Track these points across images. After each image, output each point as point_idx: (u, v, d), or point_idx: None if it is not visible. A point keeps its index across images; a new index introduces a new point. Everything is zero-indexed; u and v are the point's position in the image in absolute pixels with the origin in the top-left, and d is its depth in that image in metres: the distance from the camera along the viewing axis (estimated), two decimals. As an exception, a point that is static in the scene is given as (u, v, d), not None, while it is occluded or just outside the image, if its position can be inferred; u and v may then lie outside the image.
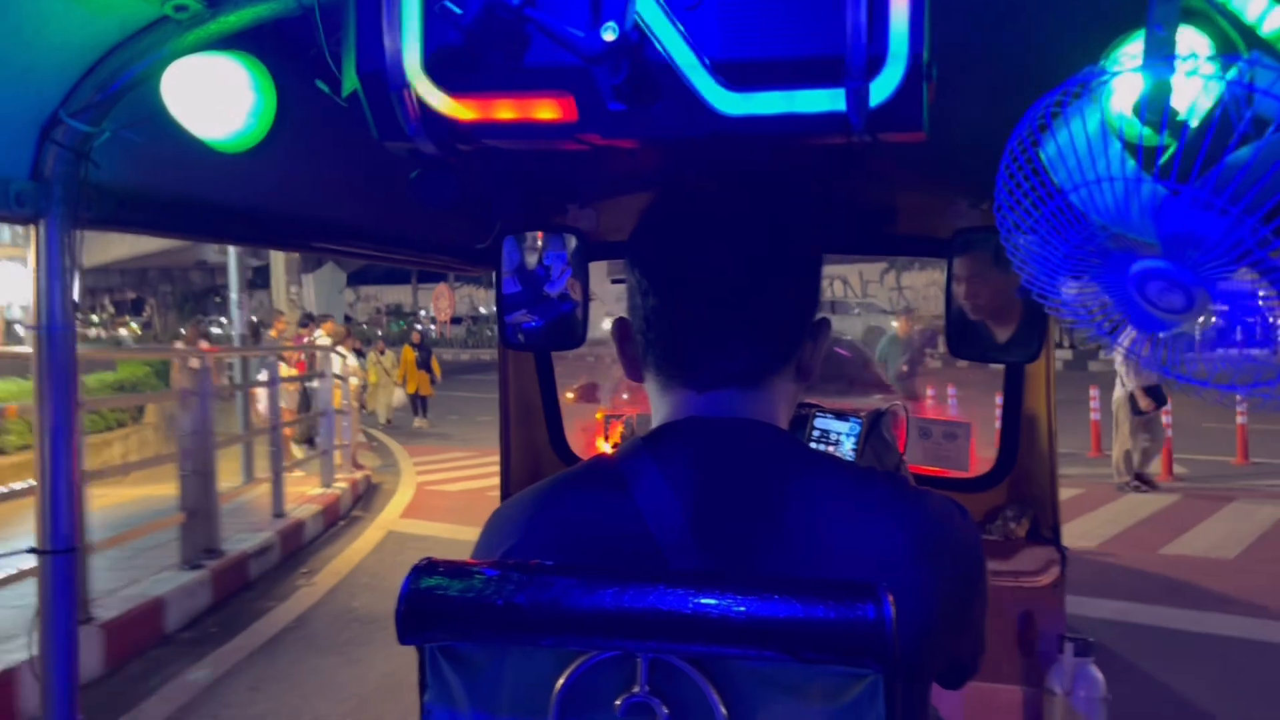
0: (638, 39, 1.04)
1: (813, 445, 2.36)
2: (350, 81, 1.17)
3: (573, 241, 2.53)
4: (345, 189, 2.14)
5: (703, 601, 0.96)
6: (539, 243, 2.66)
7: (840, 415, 2.35)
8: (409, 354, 18.51)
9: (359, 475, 11.74)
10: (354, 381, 14.07)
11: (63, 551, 1.57)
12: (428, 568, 1.04)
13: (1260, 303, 0.95)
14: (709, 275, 1.12)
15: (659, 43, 1.05)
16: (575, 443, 3.24)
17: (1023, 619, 2.60)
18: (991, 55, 1.45)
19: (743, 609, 0.95)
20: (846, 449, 2.32)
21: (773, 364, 1.16)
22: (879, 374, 8.36)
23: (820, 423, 2.35)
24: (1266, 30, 1.02)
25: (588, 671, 1.00)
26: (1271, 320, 0.95)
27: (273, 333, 15.17)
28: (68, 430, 1.56)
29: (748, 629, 0.94)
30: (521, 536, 1.17)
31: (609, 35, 1.02)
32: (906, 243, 2.74)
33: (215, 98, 1.35)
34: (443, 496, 11.38)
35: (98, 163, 1.50)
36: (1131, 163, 0.99)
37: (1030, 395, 2.69)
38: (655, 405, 1.22)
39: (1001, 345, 2.35)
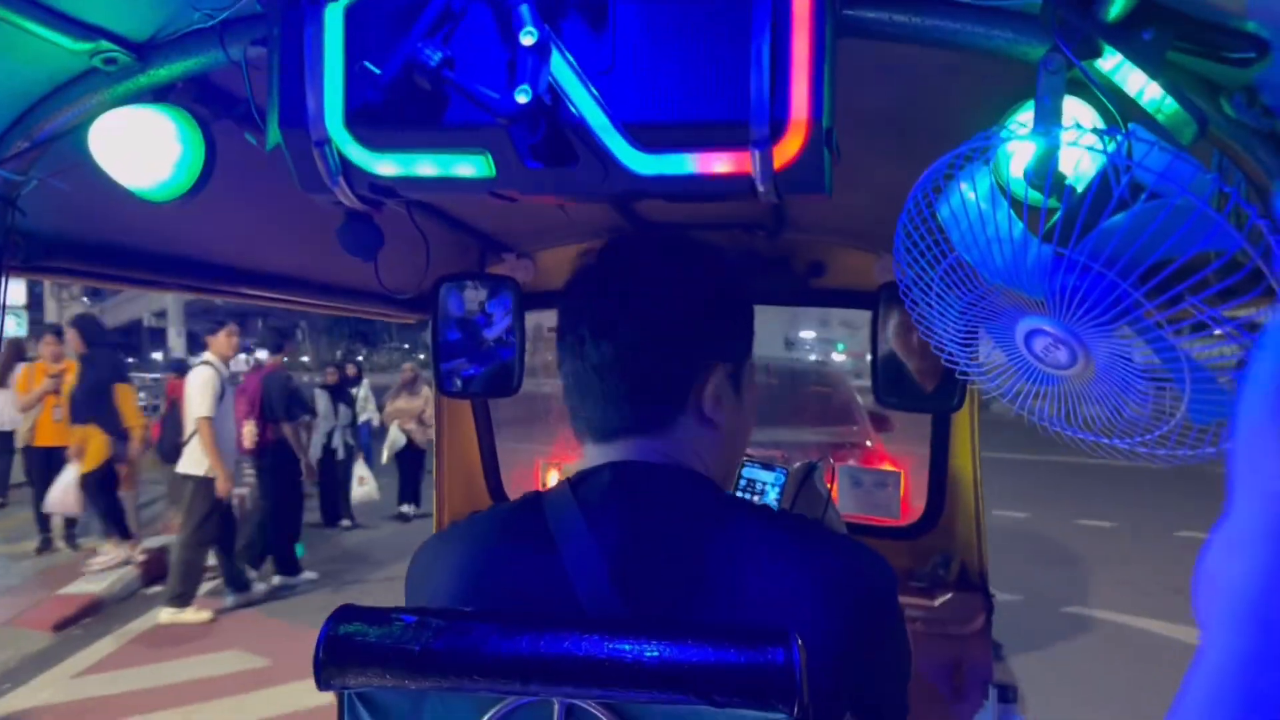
0: (552, 101, 1.08)
1: (739, 494, 2.39)
2: (274, 135, 1.19)
3: (508, 289, 2.56)
4: (278, 238, 2.15)
5: (617, 647, 0.98)
6: (476, 290, 2.69)
7: (767, 465, 2.39)
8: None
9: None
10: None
11: None
12: (345, 614, 1.06)
13: (1134, 360, 1.00)
14: (608, 333, 1.20)
15: (573, 105, 1.09)
16: (513, 490, 3.25)
17: (950, 665, 2.64)
18: (904, 118, 1.51)
19: (656, 653, 0.97)
20: (770, 498, 2.35)
21: (669, 412, 1.21)
22: (855, 408, 8.41)
23: (747, 472, 2.39)
24: (1145, 102, 1.08)
25: (505, 717, 1.02)
26: (1147, 377, 1.00)
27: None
28: None
29: (660, 673, 0.97)
30: (446, 581, 1.19)
31: (523, 98, 1.05)
32: (835, 295, 2.80)
33: (142, 148, 1.36)
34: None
35: (24, 210, 1.50)
36: (1020, 225, 1.04)
37: (956, 444, 2.75)
38: (582, 455, 1.27)
39: (926, 395, 2.41)
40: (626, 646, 0.98)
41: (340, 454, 11.33)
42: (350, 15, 1.13)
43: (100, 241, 1.72)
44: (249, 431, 8.55)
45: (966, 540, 2.79)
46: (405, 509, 11.94)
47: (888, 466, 6.07)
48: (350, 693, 1.06)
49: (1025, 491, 13.16)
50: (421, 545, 1.28)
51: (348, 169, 1.17)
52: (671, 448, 1.22)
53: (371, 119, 1.13)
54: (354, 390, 12.37)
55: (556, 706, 1.01)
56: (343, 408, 11.52)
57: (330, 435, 11.24)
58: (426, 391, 11.43)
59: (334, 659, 1.03)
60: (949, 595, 2.70)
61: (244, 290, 2.22)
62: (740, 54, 1.07)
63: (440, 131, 1.12)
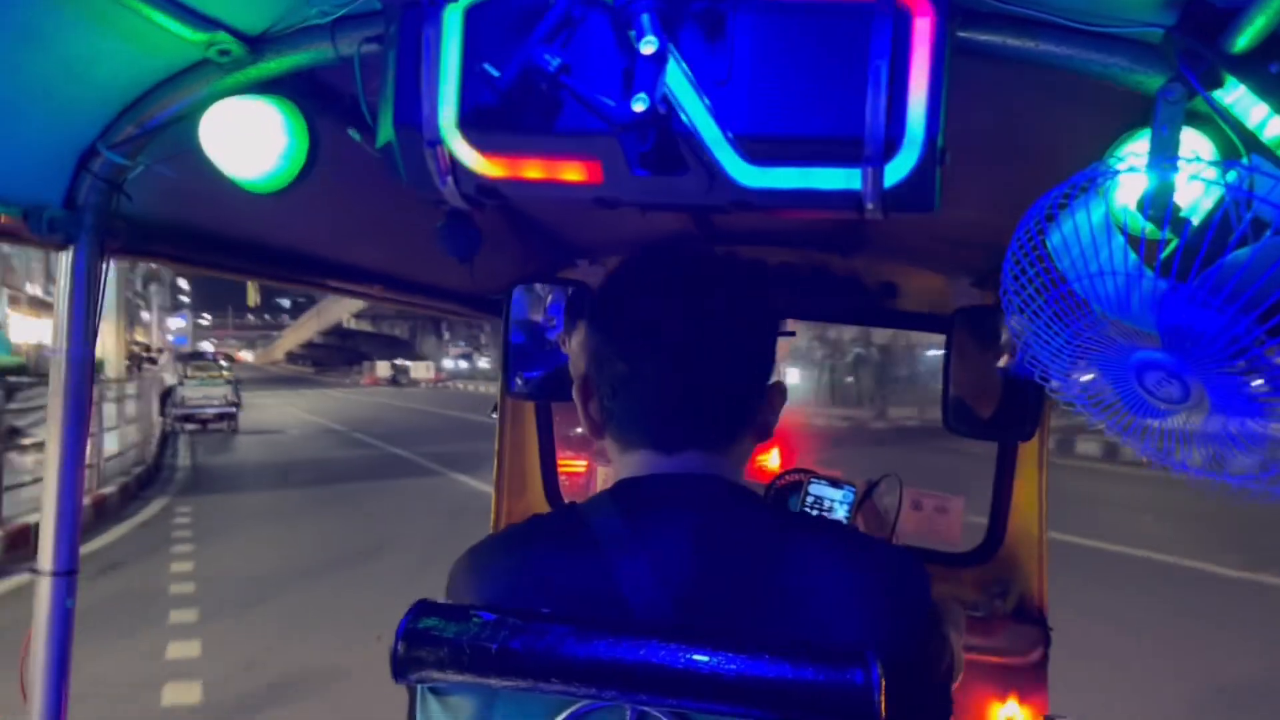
0: (666, 110, 1.09)
1: (807, 511, 2.38)
2: (385, 133, 1.21)
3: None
4: (370, 233, 2.19)
5: (694, 658, 0.98)
6: (546, 295, 2.71)
7: (835, 483, 2.38)
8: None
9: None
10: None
11: (64, 574, 1.59)
12: (425, 608, 1.07)
13: (1251, 399, 0.98)
14: (677, 341, 1.18)
15: (685, 115, 1.10)
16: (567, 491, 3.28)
17: (1005, 696, 2.60)
18: (1001, 143, 1.50)
19: (733, 667, 0.97)
20: (840, 515, 2.34)
21: (736, 428, 1.21)
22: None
23: (815, 489, 2.38)
24: (1267, 136, 1.07)
25: (576, 719, 1.02)
26: (1263, 414, 0.99)
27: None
28: (79, 455, 1.59)
29: (737, 687, 0.97)
30: (499, 585, 1.19)
31: (639, 106, 1.06)
32: (908, 318, 2.78)
33: (250, 139, 1.39)
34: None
35: (130, 195, 1.54)
36: (1134, 256, 1.03)
37: (1022, 472, 2.71)
38: (617, 463, 1.26)
39: (997, 423, 2.38)
40: (704, 658, 0.98)
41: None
42: (469, 17, 1.15)
43: (200, 229, 1.76)
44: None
45: (1027, 571, 2.75)
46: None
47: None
48: (424, 687, 1.07)
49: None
50: (465, 553, 1.27)
51: (457, 169, 1.18)
52: (725, 462, 1.21)
53: (485, 121, 1.14)
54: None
55: (629, 712, 1.01)
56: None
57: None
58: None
59: (412, 652, 1.04)
60: (1006, 626, 2.67)
61: (330, 283, 2.26)
62: (858, 71, 1.07)
63: (553, 137, 1.13)
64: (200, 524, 12.06)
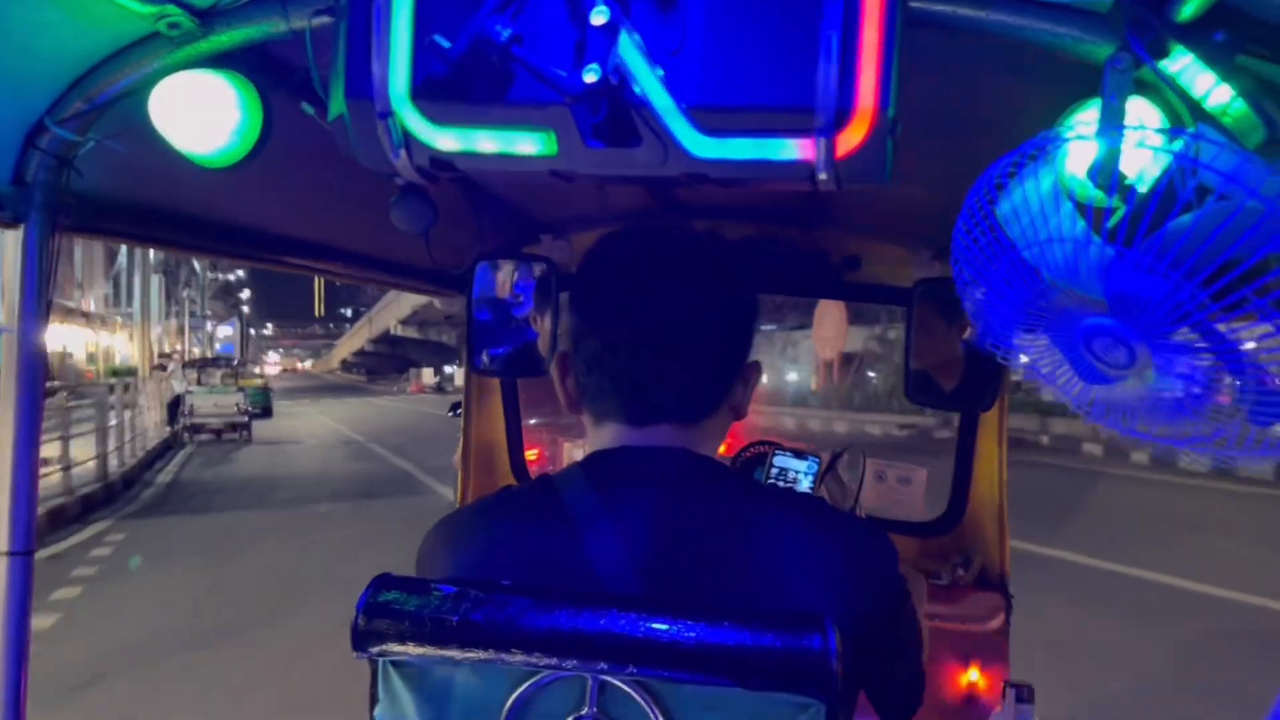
0: (618, 81, 1.09)
1: (772, 482, 2.40)
2: (337, 105, 1.20)
3: (543, 270, 2.57)
4: (325, 209, 2.17)
5: (654, 626, 0.99)
6: (511, 270, 2.69)
7: (799, 454, 2.39)
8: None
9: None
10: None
11: (21, 554, 1.57)
12: (385, 581, 1.07)
13: (1195, 363, 1.00)
14: (651, 319, 1.19)
15: (638, 85, 1.09)
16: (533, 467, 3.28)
17: (968, 664, 2.65)
18: (956, 114, 1.51)
19: (693, 634, 0.98)
20: (804, 487, 2.36)
21: (707, 404, 1.22)
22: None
23: (779, 460, 2.39)
24: (1212, 104, 1.08)
25: (538, 690, 1.03)
26: (1207, 380, 1.00)
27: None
28: (33, 432, 1.57)
29: (696, 654, 0.98)
30: (469, 556, 1.19)
31: (590, 77, 1.06)
32: (870, 290, 2.80)
33: (201, 114, 1.38)
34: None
35: (80, 171, 1.52)
36: (1082, 223, 1.04)
37: (982, 443, 2.74)
38: (592, 436, 1.27)
39: (957, 394, 2.40)
40: (664, 626, 0.99)
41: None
42: None
43: (152, 205, 1.74)
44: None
45: (988, 540, 2.79)
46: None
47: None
48: (385, 660, 1.08)
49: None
50: (434, 525, 1.28)
51: (409, 142, 1.17)
52: (699, 436, 1.23)
53: (437, 93, 1.14)
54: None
55: (590, 682, 1.02)
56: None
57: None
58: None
59: (372, 626, 1.04)
60: (968, 594, 2.70)
61: (288, 260, 2.24)
62: (809, 40, 1.07)
63: (504, 108, 1.13)
64: (117, 560, 10.31)
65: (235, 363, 33.45)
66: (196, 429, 25.35)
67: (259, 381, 37.39)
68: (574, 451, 3.54)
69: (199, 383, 27.10)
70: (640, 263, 1.24)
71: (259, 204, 1.98)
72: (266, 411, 35.36)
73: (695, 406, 1.22)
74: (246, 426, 26.10)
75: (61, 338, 37.03)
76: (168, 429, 24.38)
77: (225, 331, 65.22)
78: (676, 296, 1.20)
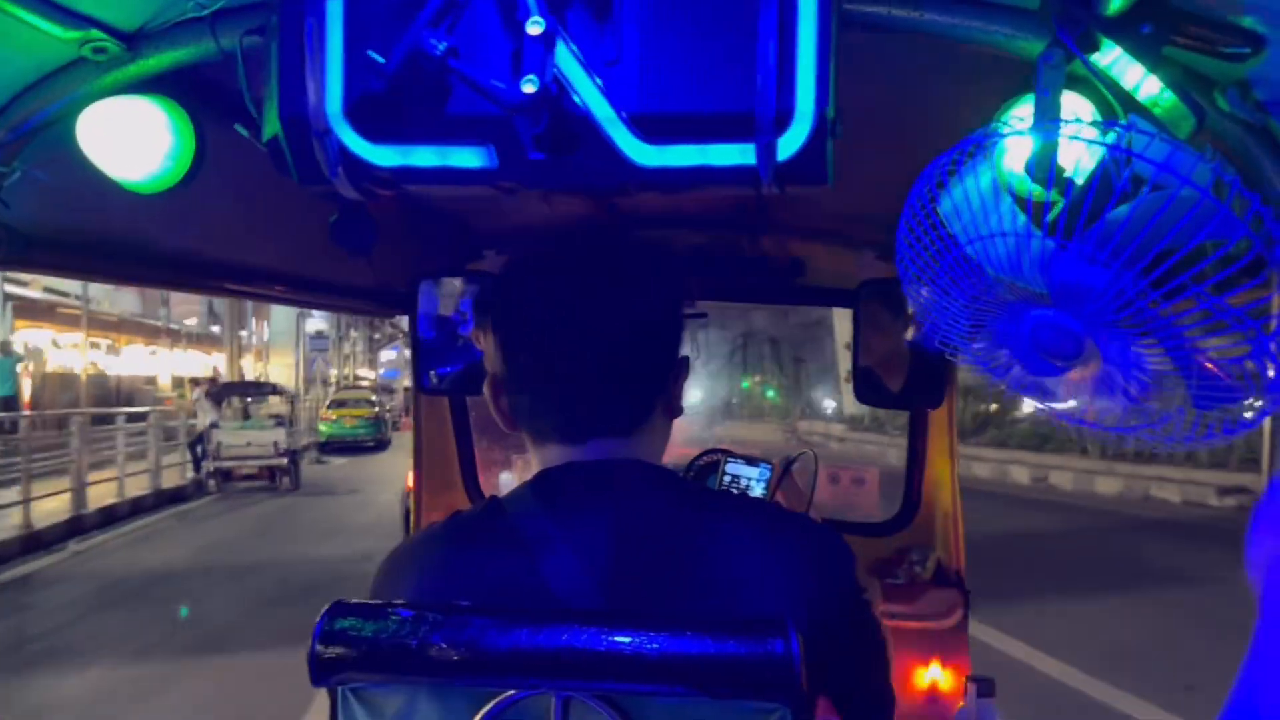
0: (557, 91, 1.08)
1: (728, 490, 2.39)
2: (272, 126, 1.18)
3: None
4: (265, 232, 2.13)
5: (616, 639, 0.98)
6: (454, 287, 2.67)
7: (751, 461, 2.39)
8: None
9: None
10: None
11: None
12: (340, 609, 1.04)
13: (1137, 350, 1.01)
14: (571, 332, 1.16)
15: (577, 95, 1.09)
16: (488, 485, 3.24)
17: (928, 661, 2.66)
18: (894, 115, 1.52)
19: (655, 646, 0.97)
20: (757, 493, 2.36)
21: (641, 410, 1.20)
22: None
23: (731, 468, 2.39)
24: (1142, 96, 1.10)
25: (502, 711, 1.01)
26: (1149, 368, 1.02)
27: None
28: None
29: (659, 665, 0.97)
30: (425, 585, 1.16)
31: (529, 87, 1.05)
32: (817, 293, 2.82)
33: (131, 140, 1.35)
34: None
35: (7, 202, 1.47)
36: (1022, 218, 1.05)
37: (934, 442, 2.77)
38: (533, 454, 1.24)
39: (906, 392, 2.42)
40: (625, 639, 0.97)
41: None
42: (352, 3, 1.12)
43: (85, 235, 1.70)
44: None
45: (943, 537, 2.81)
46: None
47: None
48: (344, 689, 1.05)
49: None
50: (386, 558, 1.24)
51: (347, 160, 1.15)
52: (639, 444, 1.20)
53: (373, 109, 1.12)
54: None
55: (554, 700, 1.00)
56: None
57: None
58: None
59: (330, 654, 1.02)
60: (926, 592, 2.72)
61: (229, 285, 2.20)
62: (746, 46, 1.08)
63: (443, 122, 1.12)
64: None
65: (259, 386, 25.44)
66: (226, 475, 19.53)
67: (366, 411, 30.33)
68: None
69: (223, 416, 20.84)
70: (555, 277, 1.20)
71: (195, 229, 1.94)
72: (380, 445, 29.65)
73: (630, 416, 1.19)
74: (288, 470, 19.93)
75: (140, 360, 33.18)
76: (192, 473, 19.53)
77: (388, 356, 57.47)
78: (597, 306, 1.16)
